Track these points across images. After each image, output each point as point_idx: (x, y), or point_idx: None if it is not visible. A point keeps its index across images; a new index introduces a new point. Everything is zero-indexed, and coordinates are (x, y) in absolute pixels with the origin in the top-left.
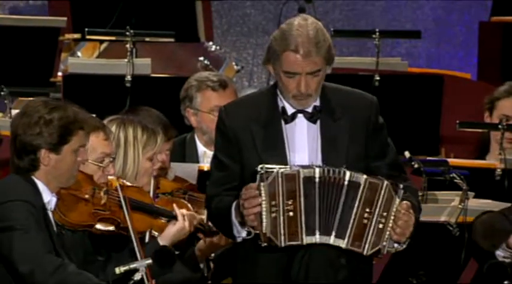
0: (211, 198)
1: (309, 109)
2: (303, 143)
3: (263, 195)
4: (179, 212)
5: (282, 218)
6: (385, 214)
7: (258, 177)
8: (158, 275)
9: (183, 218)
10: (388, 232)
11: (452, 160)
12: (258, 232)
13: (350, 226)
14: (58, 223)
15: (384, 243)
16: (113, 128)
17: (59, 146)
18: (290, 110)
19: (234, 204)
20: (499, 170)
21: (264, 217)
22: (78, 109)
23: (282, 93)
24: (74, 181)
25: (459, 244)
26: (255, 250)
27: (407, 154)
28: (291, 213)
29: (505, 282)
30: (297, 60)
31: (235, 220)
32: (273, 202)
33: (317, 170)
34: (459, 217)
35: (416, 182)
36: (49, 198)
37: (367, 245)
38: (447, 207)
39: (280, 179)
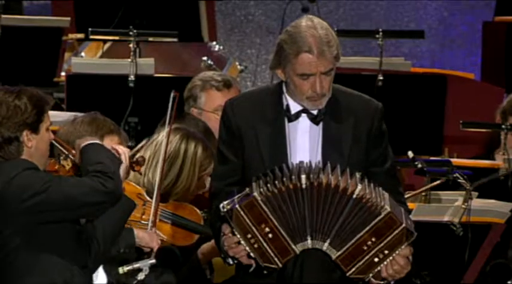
0: (214, 195)
1: (314, 111)
2: (304, 143)
3: (236, 234)
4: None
5: (264, 244)
6: (386, 252)
7: (225, 218)
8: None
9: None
10: (379, 268)
11: (455, 160)
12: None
13: (349, 244)
14: None
15: (371, 275)
16: (176, 138)
17: (37, 125)
18: (294, 109)
19: (221, 237)
20: (502, 170)
21: (249, 251)
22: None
23: (292, 95)
24: (47, 162)
25: (463, 244)
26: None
27: (410, 154)
28: (270, 235)
29: (509, 282)
30: (311, 61)
31: (223, 249)
32: (248, 235)
33: (302, 177)
34: (463, 217)
35: (419, 182)
36: None
37: (353, 269)
38: (451, 206)
39: (241, 212)
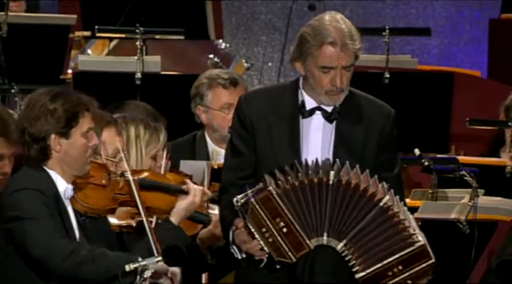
0: (225, 187)
1: (328, 109)
2: (317, 140)
3: (251, 228)
4: (190, 186)
5: (279, 238)
6: (409, 282)
7: (239, 212)
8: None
9: (194, 193)
10: None
11: (462, 158)
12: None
13: (376, 266)
14: (80, 212)
15: None
16: None
17: (67, 130)
18: (309, 105)
19: (231, 231)
20: (509, 167)
21: (263, 245)
22: (81, 94)
23: (309, 90)
24: (88, 169)
25: (469, 241)
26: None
27: (417, 151)
28: (284, 229)
29: None
30: (333, 53)
31: (232, 244)
32: (263, 229)
33: (331, 173)
34: (469, 214)
35: (426, 180)
36: (64, 187)
37: None
38: (457, 204)
39: (256, 206)
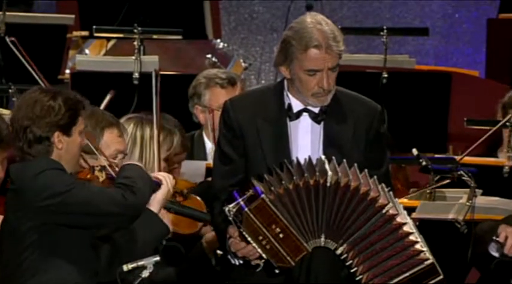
0: (216, 195)
1: (315, 110)
2: (306, 142)
3: (247, 237)
4: (161, 176)
5: (276, 244)
6: None
7: (232, 222)
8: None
9: (166, 182)
10: None
11: (460, 158)
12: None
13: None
14: None
15: None
16: (131, 126)
17: (69, 128)
18: (296, 108)
19: (228, 239)
20: (506, 167)
21: (261, 253)
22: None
23: (295, 93)
24: (78, 167)
25: (467, 241)
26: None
27: (415, 151)
28: (281, 235)
29: None
30: (319, 56)
31: (230, 252)
32: (260, 237)
33: (329, 174)
34: (467, 214)
35: (423, 179)
36: None
37: None
38: (455, 204)
39: (251, 215)
